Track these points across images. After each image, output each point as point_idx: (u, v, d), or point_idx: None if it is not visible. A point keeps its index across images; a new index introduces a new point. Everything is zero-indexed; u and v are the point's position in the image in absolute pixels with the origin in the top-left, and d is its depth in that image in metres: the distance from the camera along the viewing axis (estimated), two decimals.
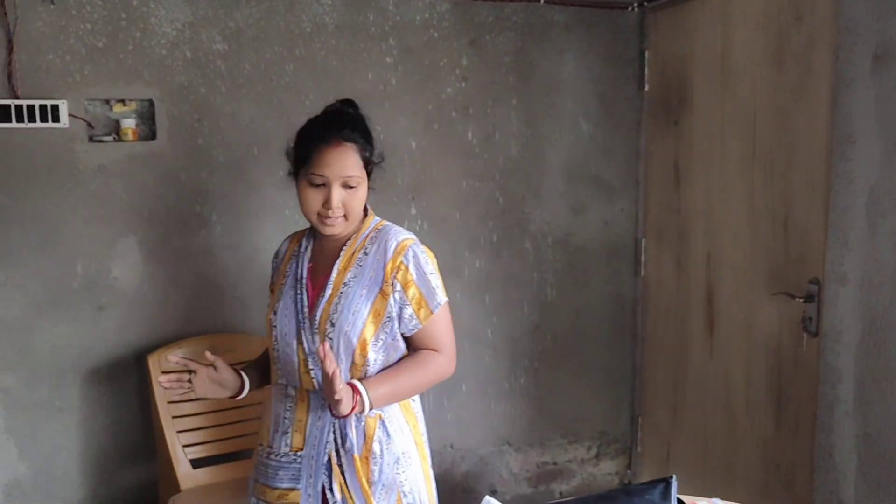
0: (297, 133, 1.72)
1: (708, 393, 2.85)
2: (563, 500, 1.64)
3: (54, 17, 2.45)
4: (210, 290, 2.69)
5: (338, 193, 1.63)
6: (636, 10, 3.10)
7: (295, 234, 1.86)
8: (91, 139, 2.53)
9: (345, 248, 1.72)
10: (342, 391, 1.53)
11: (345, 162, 1.63)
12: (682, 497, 1.60)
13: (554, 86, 3.07)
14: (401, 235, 1.73)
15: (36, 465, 2.58)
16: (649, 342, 3.22)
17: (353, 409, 1.60)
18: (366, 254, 1.71)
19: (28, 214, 2.48)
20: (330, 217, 1.65)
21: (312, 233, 1.77)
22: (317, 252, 1.77)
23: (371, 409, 1.64)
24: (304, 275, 1.74)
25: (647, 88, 3.12)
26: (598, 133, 3.15)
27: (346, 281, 1.69)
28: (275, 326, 1.73)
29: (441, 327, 1.75)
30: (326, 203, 1.64)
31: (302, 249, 1.77)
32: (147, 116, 2.58)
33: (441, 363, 1.75)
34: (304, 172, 1.65)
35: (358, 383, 1.63)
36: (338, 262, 1.71)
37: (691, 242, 2.91)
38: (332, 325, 1.67)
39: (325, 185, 1.63)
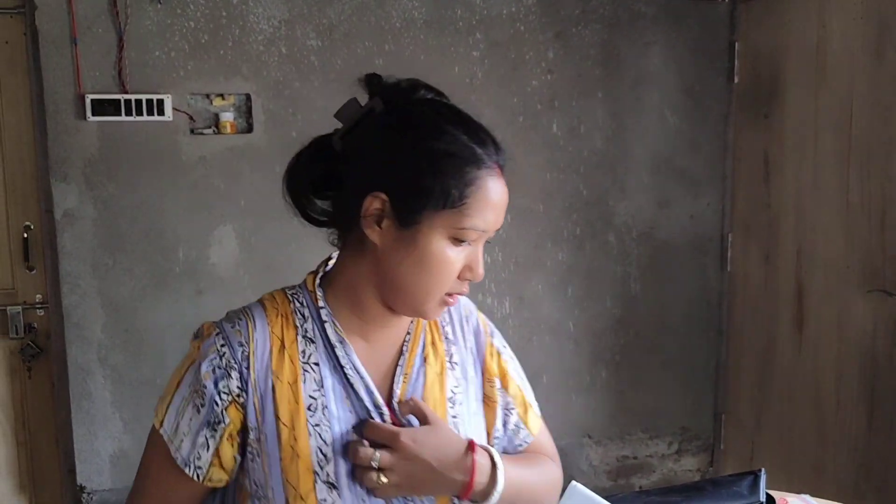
0: (422, 148, 0.95)
1: (795, 391, 2.79)
2: (650, 489, 1.65)
3: (161, 16, 2.59)
4: (302, 276, 2.78)
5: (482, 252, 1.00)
6: (727, 1, 3.04)
7: (252, 310, 1.03)
8: (192, 132, 2.66)
9: (409, 333, 1.06)
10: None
11: (505, 200, 1.02)
12: (770, 492, 1.59)
13: (640, 78, 3.05)
14: (465, 298, 1.10)
15: (139, 439, 2.73)
16: (734, 338, 3.17)
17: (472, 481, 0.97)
18: (447, 339, 1.09)
19: (136, 203, 2.63)
20: (462, 293, 1.01)
21: (316, 307, 1.04)
22: (356, 343, 1.02)
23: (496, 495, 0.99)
24: (369, 385, 1.01)
25: (736, 81, 3.06)
26: (684, 126, 3.11)
27: (450, 396, 1.05)
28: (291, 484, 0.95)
29: (546, 433, 1.22)
30: (472, 269, 0.98)
31: (317, 335, 1.01)
32: (244, 110, 2.70)
33: (558, 476, 1.20)
34: (437, 218, 0.94)
35: (487, 446, 1.03)
36: (418, 361, 1.05)
37: (781, 238, 2.84)
38: None
39: (471, 242, 0.97)
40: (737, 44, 3.03)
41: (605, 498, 1.47)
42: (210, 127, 2.68)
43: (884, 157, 2.34)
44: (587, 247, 3.09)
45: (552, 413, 3.14)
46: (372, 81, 1.03)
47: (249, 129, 2.69)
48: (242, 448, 0.99)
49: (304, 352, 1.00)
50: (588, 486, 3.05)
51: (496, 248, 2.96)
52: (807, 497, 1.64)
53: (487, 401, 1.11)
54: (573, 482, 1.54)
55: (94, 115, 2.52)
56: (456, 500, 1.02)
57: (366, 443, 0.95)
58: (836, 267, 2.56)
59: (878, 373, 2.39)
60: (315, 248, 2.92)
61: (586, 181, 3.04)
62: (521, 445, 1.16)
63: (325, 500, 0.94)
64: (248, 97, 2.69)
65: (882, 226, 2.35)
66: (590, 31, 2.97)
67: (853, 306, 2.48)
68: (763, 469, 1.55)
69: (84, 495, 2.69)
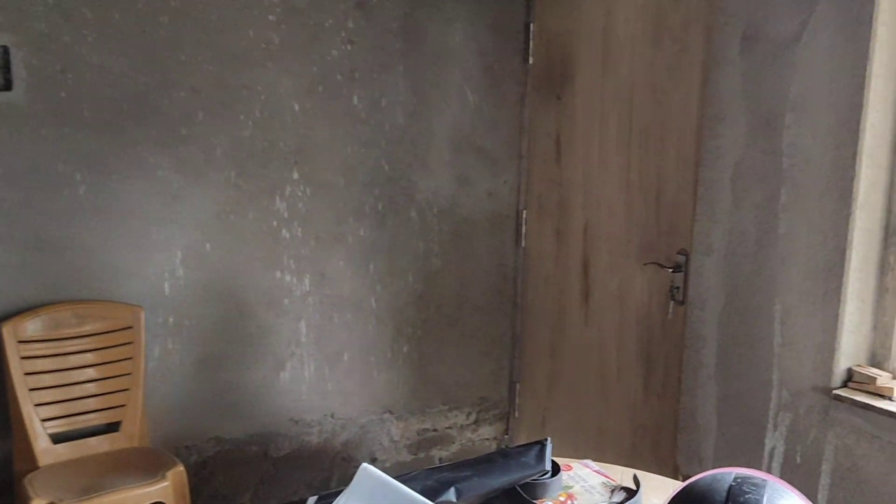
0: None
1: (583, 360, 2.95)
2: (443, 464, 1.65)
3: None
4: (76, 255, 2.52)
5: None
6: None
7: None
8: None
9: None
10: None
11: None
12: (556, 459, 1.65)
13: (442, 55, 3.05)
14: None
15: None
16: (529, 311, 3.30)
17: None
18: None
19: None
20: None
21: None
22: None
23: None
24: None
25: (531, 62, 3.16)
26: (484, 105, 3.17)
27: None
28: None
29: None
30: None
31: None
32: (1, 64, 2.37)
33: None
34: None
35: None
36: None
37: (570, 214, 2.99)
38: None
39: None
40: (531, 25, 3.12)
41: (397, 477, 1.44)
42: None
43: (659, 139, 2.51)
44: (389, 223, 3.07)
45: (354, 390, 3.12)
46: None
47: (7, 85, 2.37)
48: None
49: None
50: (389, 461, 3.02)
51: (296, 224, 2.85)
52: (588, 462, 1.72)
53: None
54: (363, 465, 1.49)
55: None
56: None
57: None
58: (617, 241, 2.72)
59: (653, 340, 2.58)
60: (92, 222, 2.65)
61: (388, 156, 3.01)
62: None
63: None
64: (6, 49, 2.36)
65: (657, 203, 2.53)
66: (391, 3, 2.92)
67: (632, 279, 2.65)
68: (549, 438, 1.61)
69: None
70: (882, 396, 1.84)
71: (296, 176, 2.84)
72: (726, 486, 1.09)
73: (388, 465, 3.22)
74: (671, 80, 2.46)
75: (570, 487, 1.62)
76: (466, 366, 3.33)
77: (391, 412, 3.21)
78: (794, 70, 1.98)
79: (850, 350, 1.93)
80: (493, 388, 3.42)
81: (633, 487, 1.61)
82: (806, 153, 1.96)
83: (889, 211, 1.88)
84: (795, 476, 2.02)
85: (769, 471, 2.10)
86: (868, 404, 1.83)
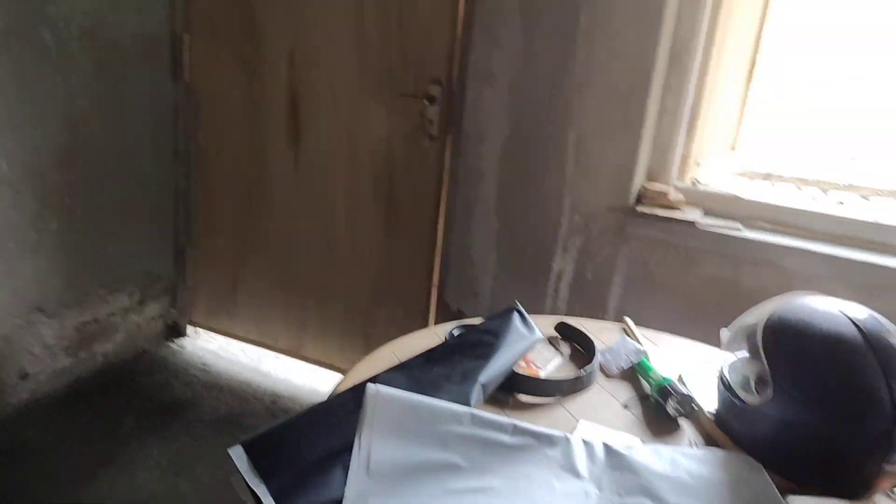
0: None
1: (294, 212, 2.59)
2: (428, 357, 1.29)
3: None
4: None
5: None
6: None
7: None
8: None
9: None
10: None
11: None
12: None
13: None
14: None
15: None
16: (205, 163, 2.72)
17: None
18: None
19: None
20: None
21: None
22: None
23: None
24: None
25: None
26: None
27: None
28: None
29: None
30: None
31: None
32: None
33: None
34: None
35: None
36: None
37: (265, 39, 2.48)
38: None
39: None
40: None
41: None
42: None
43: None
44: (14, 48, 2.12)
45: None
46: None
47: None
48: None
49: None
50: (44, 373, 2.41)
51: None
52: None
53: None
54: (369, 386, 1.12)
55: None
56: None
57: None
58: (342, 72, 2.37)
59: (395, 181, 2.39)
60: None
61: None
62: None
63: None
64: None
65: (400, 26, 2.26)
66: None
67: (364, 114, 2.37)
68: (516, 301, 1.39)
69: None
70: (673, 208, 2.06)
71: None
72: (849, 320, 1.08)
73: (43, 377, 2.44)
74: None
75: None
76: (130, 236, 2.64)
77: (42, 310, 2.39)
78: None
79: (641, 170, 2.08)
80: (158, 258, 2.81)
81: (557, 335, 1.52)
82: None
83: (675, 35, 2.01)
84: (585, 291, 2.17)
85: (556, 291, 2.21)
86: (663, 216, 2.02)
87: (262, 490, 0.99)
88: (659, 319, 1.77)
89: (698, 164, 2.19)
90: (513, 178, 2.19)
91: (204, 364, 2.77)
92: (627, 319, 1.61)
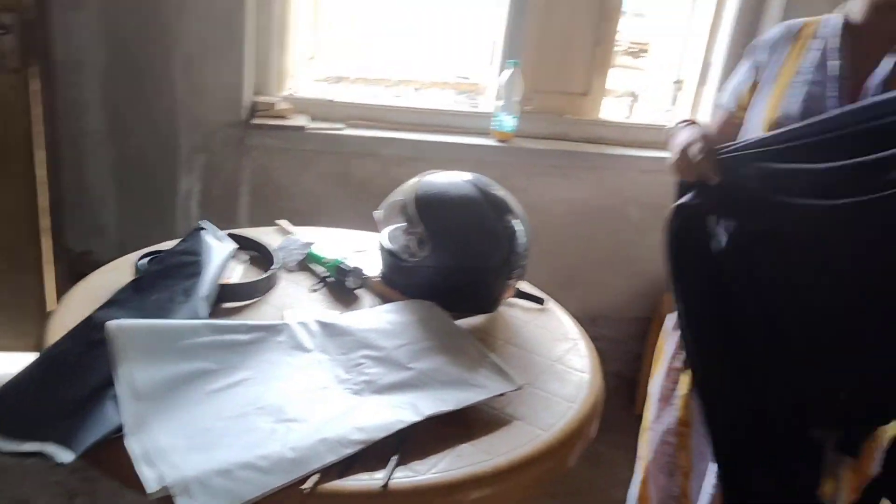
0: None
1: None
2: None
3: None
4: None
5: None
6: None
7: None
8: None
9: None
10: None
11: None
12: None
13: None
14: None
15: None
16: None
17: None
18: None
19: None
20: None
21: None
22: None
23: None
24: None
25: None
26: None
27: None
28: None
29: None
30: None
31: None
32: None
33: None
34: None
35: None
36: None
37: None
38: None
39: None
40: None
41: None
42: None
43: None
44: None
45: None
46: None
47: None
48: None
49: None
50: None
51: None
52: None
53: None
54: (107, 324, 1.21)
55: None
56: None
57: None
58: None
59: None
60: None
61: None
62: None
63: None
64: None
65: None
66: None
67: None
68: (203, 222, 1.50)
69: None
70: (282, 118, 2.27)
71: None
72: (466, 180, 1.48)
73: None
74: None
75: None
76: None
77: None
78: None
79: (249, 86, 2.24)
80: None
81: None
82: None
83: None
84: (215, 207, 2.30)
85: (187, 211, 2.30)
86: (276, 125, 2.24)
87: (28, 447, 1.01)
88: (289, 219, 2.00)
89: (292, 76, 2.43)
90: (122, 104, 2.16)
91: None
92: (282, 222, 1.83)
